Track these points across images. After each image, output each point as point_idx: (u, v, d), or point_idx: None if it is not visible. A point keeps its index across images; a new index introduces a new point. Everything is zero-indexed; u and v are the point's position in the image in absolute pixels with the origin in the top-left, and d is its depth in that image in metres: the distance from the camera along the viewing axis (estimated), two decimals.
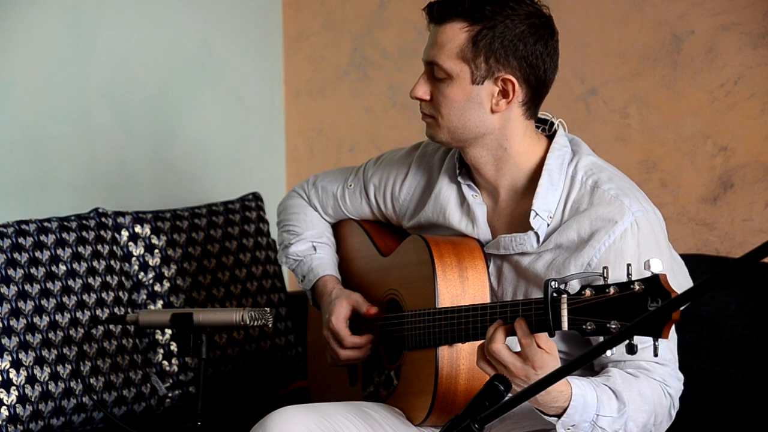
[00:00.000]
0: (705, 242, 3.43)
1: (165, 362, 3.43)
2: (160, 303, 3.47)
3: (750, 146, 3.37)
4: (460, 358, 2.66)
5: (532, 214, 2.62)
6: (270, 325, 2.87)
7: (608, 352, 2.49)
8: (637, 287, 2.23)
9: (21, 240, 3.22)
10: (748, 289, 3.14)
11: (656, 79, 3.50)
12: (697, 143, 3.44)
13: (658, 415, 2.55)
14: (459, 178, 2.76)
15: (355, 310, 2.90)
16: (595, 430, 2.46)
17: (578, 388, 2.43)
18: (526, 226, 2.64)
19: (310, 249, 3.04)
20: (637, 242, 2.56)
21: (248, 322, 2.79)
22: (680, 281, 2.68)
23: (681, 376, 2.61)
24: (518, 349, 2.41)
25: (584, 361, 1.93)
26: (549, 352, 2.40)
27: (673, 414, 2.61)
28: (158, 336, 3.43)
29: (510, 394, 2.10)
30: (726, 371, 3.09)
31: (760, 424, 3.03)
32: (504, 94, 2.64)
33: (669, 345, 2.57)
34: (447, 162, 2.82)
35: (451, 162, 2.81)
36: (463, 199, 2.76)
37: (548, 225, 2.63)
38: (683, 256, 2.94)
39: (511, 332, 2.42)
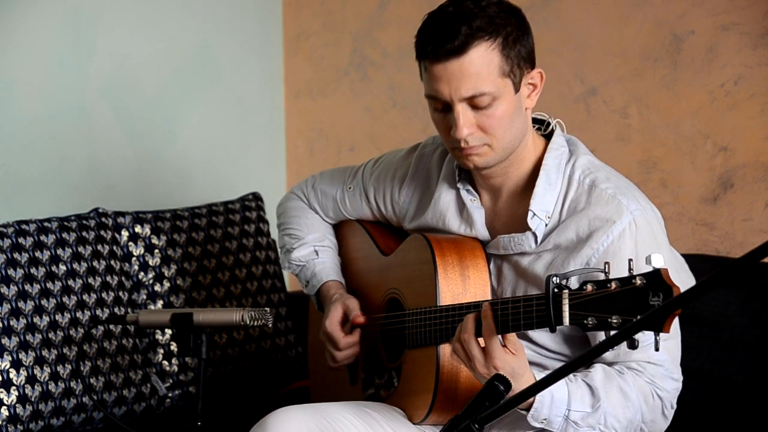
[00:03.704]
0: (705, 242, 3.43)
1: (165, 362, 3.43)
2: (160, 303, 3.47)
3: (750, 146, 3.37)
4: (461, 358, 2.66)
5: (530, 214, 2.62)
6: (270, 325, 2.87)
7: (607, 353, 2.51)
8: (638, 282, 2.22)
9: (21, 240, 3.22)
10: (748, 289, 3.14)
11: (656, 79, 3.50)
12: (697, 143, 3.44)
13: (645, 413, 2.54)
14: (458, 184, 2.76)
15: (347, 314, 2.91)
16: (568, 424, 2.47)
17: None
18: (524, 227, 2.64)
19: (312, 253, 3.04)
20: (635, 241, 2.56)
21: (248, 322, 2.79)
22: (682, 278, 2.68)
23: (679, 377, 2.61)
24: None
25: (584, 360, 1.93)
26: (514, 353, 2.42)
27: (668, 414, 2.60)
28: (158, 336, 3.43)
29: (509, 395, 2.10)
30: (726, 371, 3.08)
31: (760, 424, 3.03)
32: (533, 87, 2.64)
33: (667, 345, 2.57)
34: (446, 167, 2.81)
35: (449, 167, 2.80)
36: (462, 205, 2.76)
37: (546, 225, 2.63)
38: (683, 256, 2.94)
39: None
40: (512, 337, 2.44)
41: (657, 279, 2.21)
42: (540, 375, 2.48)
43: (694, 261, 3.03)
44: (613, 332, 2.26)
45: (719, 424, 3.09)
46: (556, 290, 2.33)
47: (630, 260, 2.25)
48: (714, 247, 3.42)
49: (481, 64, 2.54)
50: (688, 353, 3.05)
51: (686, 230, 3.46)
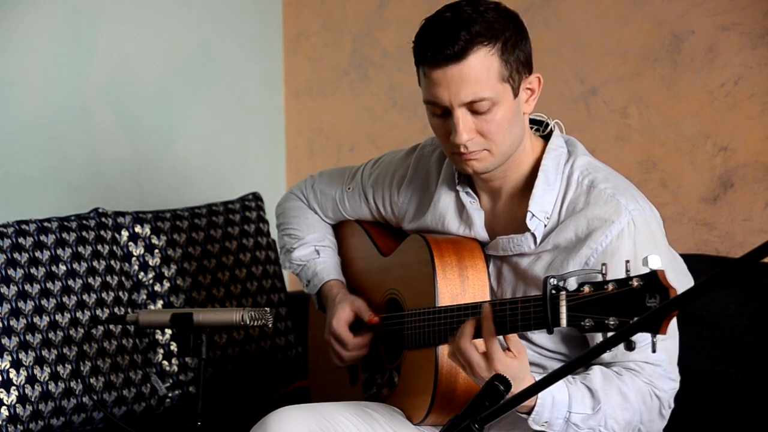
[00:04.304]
0: (705, 242, 3.43)
1: (165, 362, 3.43)
2: (160, 303, 3.47)
3: (750, 146, 3.37)
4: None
5: (529, 215, 2.62)
6: (270, 325, 2.87)
7: (605, 354, 2.51)
8: (635, 283, 2.22)
9: (21, 240, 3.22)
10: (748, 289, 3.14)
11: (656, 79, 3.50)
12: (697, 143, 3.44)
13: (644, 413, 2.55)
14: (458, 187, 2.75)
15: (357, 316, 2.90)
16: (569, 426, 2.47)
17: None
18: (523, 228, 2.64)
19: (313, 253, 3.05)
20: (634, 241, 2.56)
21: (248, 322, 2.79)
22: (680, 278, 2.68)
23: (676, 377, 2.61)
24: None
25: (583, 362, 1.93)
26: (516, 356, 2.41)
27: (665, 414, 2.60)
28: (158, 336, 3.43)
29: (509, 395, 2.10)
30: (726, 371, 3.09)
31: (760, 424, 3.03)
32: (531, 92, 2.63)
33: (665, 345, 2.57)
34: (445, 169, 2.81)
35: (449, 169, 2.79)
36: (461, 207, 2.76)
37: (545, 226, 2.63)
38: (683, 256, 2.93)
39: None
40: (514, 338, 2.44)
41: (654, 281, 2.21)
42: (540, 377, 2.47)
43: (694, 261, 3.03)
44: (610, 333, 2.26)
45: (719, 424, 3.09)
46: (553, 292, 2.33)
47: (627, 261, 2.25)
48: (714, 247, 3.42)
49: (480, 69, 2.54)
50: (688, 353, 3.05)
51: (686, 230, 3.46)
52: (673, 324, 2.60)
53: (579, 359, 1.91)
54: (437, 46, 2.54)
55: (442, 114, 2.59)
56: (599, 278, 2.29)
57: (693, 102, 3.45)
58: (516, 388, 2.36)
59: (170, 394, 3.41)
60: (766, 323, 3.08)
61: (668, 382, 2.58)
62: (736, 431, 3.07)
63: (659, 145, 3.50)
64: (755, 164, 3.36)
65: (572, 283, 2.43)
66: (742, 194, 3.38)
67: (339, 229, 3.12)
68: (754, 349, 3.07)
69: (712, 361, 3.11)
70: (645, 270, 2.22)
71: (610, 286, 2.25)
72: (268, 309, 2.83)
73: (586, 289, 2.28)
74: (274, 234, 3.51)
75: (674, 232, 3.43)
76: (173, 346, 3.44)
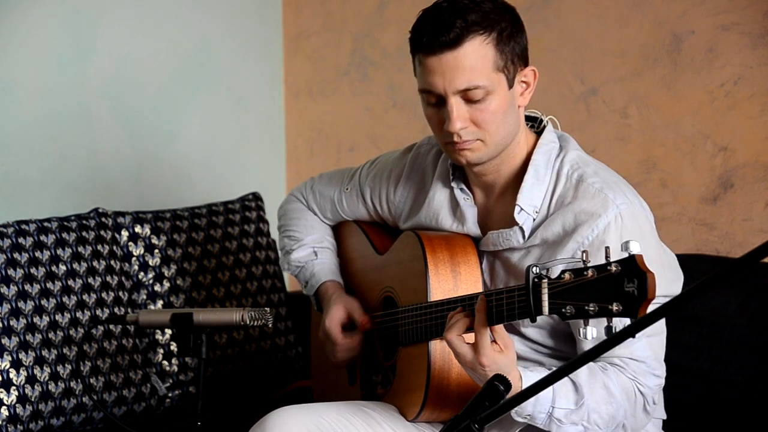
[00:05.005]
0: (705, 242, 3.43)
1: (165, 362, 3.43)
2: (160, 303, 3.47)
3: (750, 146, 3.37)
4: (452, 352, 2.65)
5: (517, 209, 2.63)
6: (270, 325, 2.87)
7: (586, 343, 2.52)
8: (613, 268, 2.22)
9: (21, 240, 3.22)
10: (748, 289, 3.14)
11: (656, 79, 3.50)
12: (697, 143, 3.44)
13: (627, 410, 2.55)
14: (452, 183, 2.76)
15: (350, 316, 2.91)
16: (552, 421, 2.48)
17: (529, 382, 2.43)
18: (512, 222, 2.65)
19: (311, 254, 3.05)
20: (621, 235, 2.56)
21: (248, 322, 2.79)
22: (669, 275, 2.68)
23: (661, 373, 2.60)
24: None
25: (584, 361, 1.93)
26: (502, 349, 2.42)
27: (650, 410, 2.60)
28: (158, 336, 3.43)
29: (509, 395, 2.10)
30: (726, 371, 3.09)
31: (760, 424, 3.03)
32: (526, 85, 2.64)
33: (650, 341, 2.57)
34: (440, 166, 2.82)
35: (443, 166, 2.80)
36: (455, 204, 2.76)
37: (534, 220, 2.64)
38: (683, 256, 2.93)
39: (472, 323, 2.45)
40: (501, 331, 2.44)
41: (632, 265, 2.20)
42: (527, 372, 2.48)
43: (694, 261, 3.03)
44: (591, 320, 2.26)
45: (719, 424, 3.09)
46: (536, 280, 2.33)
47: (607, 248, 2.25)
48: (714, 247, 3.42)
49: (475, 57, 2.55)
50: (688, 353, 3.05)
51: (686, 230, 3.46)
52: (661, 321, 2.60)
53: (580, 359, 1.91)
54: (433, 33, 2.55)
55: (436, 103, 2.60)
56: (581, 266, 2.29)
57: (693, 102, 3.45)
58: None
59: (170, 394, 3.41)
60: (766, 323, 3.08)
61: (653, 378, 2.58)
62: (736, 431, 3.07)
63: (659, 145, 3.50)
64: (755, 164, 3.36)
65: (555, 272, 2.43)
66: (742, 194, 3.38)
67: (338, 229, 3.13)
68: (754, 349, 3.07)
69: (712, 361, 3.11)
70: (624, 255, 2.22)
71: (590, 272, 2.25)
72: (268, 309, 2.84)
73: (567, 276, 2.28)
74: (274, 234, 3.52)
75: (674, 232, 3.43)
76: (173, 346, 3.44)
